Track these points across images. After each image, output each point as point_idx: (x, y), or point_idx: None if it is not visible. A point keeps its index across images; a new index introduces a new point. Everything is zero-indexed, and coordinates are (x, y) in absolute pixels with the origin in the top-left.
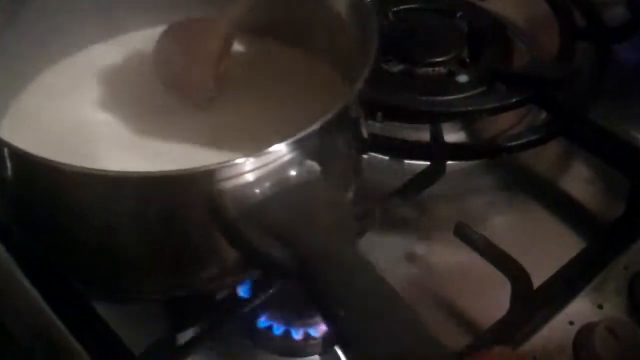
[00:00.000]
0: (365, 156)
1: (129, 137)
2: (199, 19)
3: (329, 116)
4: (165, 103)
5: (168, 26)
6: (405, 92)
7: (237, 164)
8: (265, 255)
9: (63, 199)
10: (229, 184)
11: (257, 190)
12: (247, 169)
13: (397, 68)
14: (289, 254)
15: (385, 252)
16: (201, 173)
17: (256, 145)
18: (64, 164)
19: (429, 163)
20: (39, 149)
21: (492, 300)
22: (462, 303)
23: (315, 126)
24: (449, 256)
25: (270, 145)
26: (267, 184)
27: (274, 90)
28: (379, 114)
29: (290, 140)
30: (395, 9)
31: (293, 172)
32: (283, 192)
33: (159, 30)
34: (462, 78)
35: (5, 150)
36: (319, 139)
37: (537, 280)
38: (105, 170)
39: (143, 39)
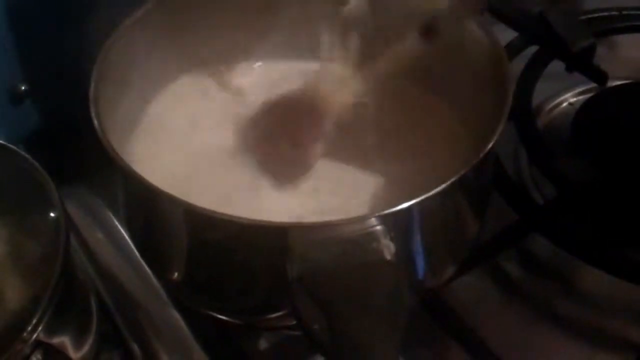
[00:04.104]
0: None
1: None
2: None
3: (423, 196)
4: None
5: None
6: None
7: (312, 226)
8: (306, 326)
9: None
10: (303, 244)
11: (327, 257)
12: (323, 234)
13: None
14: (330, 334)
15: None
16: (274, 228)
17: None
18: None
19: None
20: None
21: None
22: None
23: (405, 205)
24: None
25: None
26: (339, 253)
27: (393, 137)
28: None
29: (372, 215)
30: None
31: (368, 248)
32: (350, 266)
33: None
34: None
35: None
36: (407, 218)
37: None
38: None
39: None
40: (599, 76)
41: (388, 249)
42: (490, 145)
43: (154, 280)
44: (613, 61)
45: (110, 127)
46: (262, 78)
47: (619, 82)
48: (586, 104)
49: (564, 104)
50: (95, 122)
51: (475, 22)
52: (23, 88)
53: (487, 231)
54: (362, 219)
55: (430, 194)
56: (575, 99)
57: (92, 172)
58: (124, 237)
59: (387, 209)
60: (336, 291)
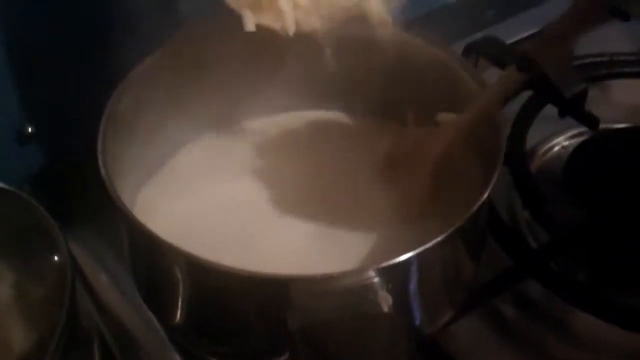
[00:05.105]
0: None
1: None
2: None
3: (419, 249)
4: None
5: None
6: None
7: (312, 279)
8: None
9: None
10: (303, 295)
11: (327, 308)
12: (322, 286)
13: None
14: None
15: None
16: (275, 280)
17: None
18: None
19: None
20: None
21: None
22: None
23: (401, 257)
24: None
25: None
26: (337, 305)
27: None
28: None
29: (369, 267)
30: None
31: (366, 300)
32: (348, 317)
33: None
34: None
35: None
36: (404, 269)
37: None
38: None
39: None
40: (591, 121)
41: (385, 300)
42: (484, 197)
43: (157, 324)
44: (606, 105)
45: (116, 175)
46: (273, 129)
47: (611, 126)
48: (578, 148)
49: (557, 147)
50: (102, 170)
51: (467, 72)
52: (30, 130)
53: (483, 274)
54: (360, 271)
55: (426, 246)
56: (568, 143)
57: (98, 214)
58: (127, 281)
59: (385, 261)
60: (335, 341)
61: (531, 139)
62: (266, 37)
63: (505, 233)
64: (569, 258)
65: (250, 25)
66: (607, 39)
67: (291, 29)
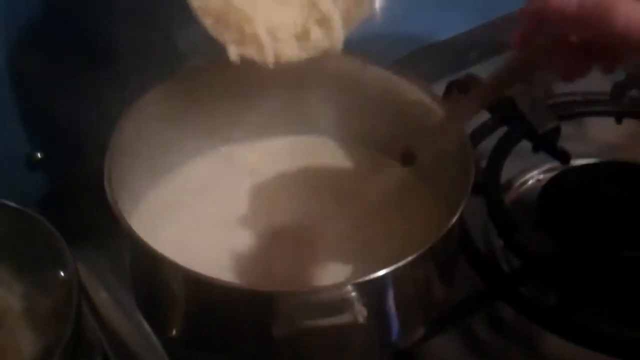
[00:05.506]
0: None
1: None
2: None
3: (390, 268)
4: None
5: None
6: None
7: (294, 292)
8: None
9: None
10: (287, 308)
11: (308, 319)
12: (304, 299)
13: None
14: None
15: None
16: (262, 293)
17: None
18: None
19: None
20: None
21: None
22: None
23: (375, 275)
24: None
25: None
26: (318, 316)
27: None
28: None
29: (347, 283)
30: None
31: (343, 312)
32: (328, 328)
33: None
34: None
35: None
36: (379, 285)
37: None
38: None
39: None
40: (563, 156)
41: (361, 313)
42: (454, 220)
43: (155, 339)
44: (579, 141)
45: (121, 196)
46: (267, 154)
47: (583, 161)
48: (550, 181)
49: (532, 181)
50: (108, 192)
51: (440, 109)
52: (39, 155)
53: (458, 295)
54: (339, 286)
55: (398, 265)
56: (542, 176)
57: (100, 234)
58: (126, 296)
59: (360, 278)
60: (316, 350)
61: (508, 172)
62: (254, 70)
63: (478, 258)
64: (539, 283)
65: (234, 56)
66: (582, 79)
67: (270, 62)
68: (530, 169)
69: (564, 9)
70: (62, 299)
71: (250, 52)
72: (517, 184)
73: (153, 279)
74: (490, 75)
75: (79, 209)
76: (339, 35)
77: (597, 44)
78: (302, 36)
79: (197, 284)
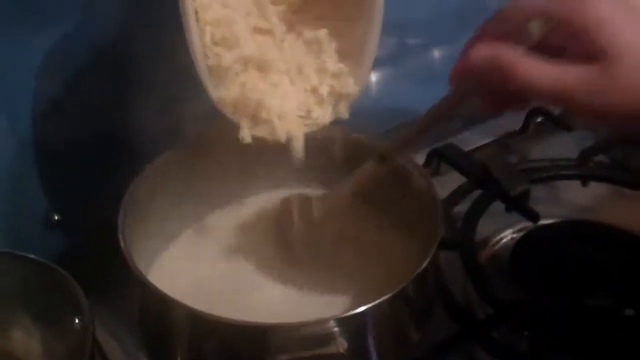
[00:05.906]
0: None
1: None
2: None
3: (366, 306)
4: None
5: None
6: None
7: (282, 326)
8: None
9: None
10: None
11: (296, 350)
12: (292, 333)
13: None
14: None
15: None
16: (256, 327)
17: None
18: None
19: None
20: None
21: None
22: None
23: (356, 310)
24: None
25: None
26: (304, 347)
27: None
28: None
29: (330, 318)
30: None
31: (327, 344)
32: (316, 357)
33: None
34: None
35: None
36: (359, 320)
37: None
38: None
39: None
40: (533, 216)
41: (342, 345)
42: (425, 264)
43: None
44: (548, 202)
45: (133, 251)
46: (264, 203)
47: (552, 220)
48: (522, 239)
49: (506, 239)
50: (122, 244)
51: (417, 173)
52: (56, 217)
53: (434, 337)
54: (323, 321)
55: (374, 303)
56: (516, 235)
57: (110, 287)
58: (133, 344)
59: (340, 314)
60: None
61: (485, 231)
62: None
63: (454, 305)
64: (511, 329)
65: (247, 138)
66: (552, 146)
67: (282, 138)
68: (503, 229)
69: (479, 69)
70: (77, 344)
71: (263, 133)
72: (493, 242)
73: (160, 320)
74: (432, 107)
75: (94, 263)
76: (330, 112)
77: (508, 91)
78: (305, 115)
79: (199, 321)
